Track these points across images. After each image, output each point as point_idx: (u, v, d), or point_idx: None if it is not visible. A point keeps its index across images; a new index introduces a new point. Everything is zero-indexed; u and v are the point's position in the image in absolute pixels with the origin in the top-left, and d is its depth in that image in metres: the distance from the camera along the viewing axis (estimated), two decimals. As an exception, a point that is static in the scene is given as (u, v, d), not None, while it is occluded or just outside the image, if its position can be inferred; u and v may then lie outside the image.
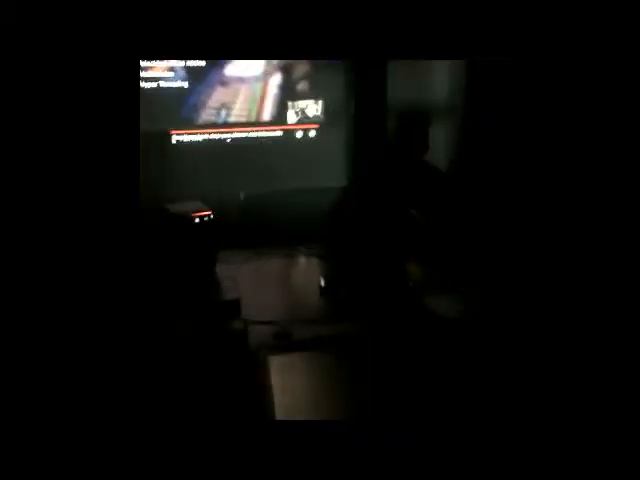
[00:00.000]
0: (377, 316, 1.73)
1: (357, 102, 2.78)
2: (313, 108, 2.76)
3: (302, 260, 2.45)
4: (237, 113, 2.65)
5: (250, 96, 2.65)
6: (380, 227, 2.17)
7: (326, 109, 2.80)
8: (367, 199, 2.32)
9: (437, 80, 2.90)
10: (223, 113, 2.63)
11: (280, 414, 1.17)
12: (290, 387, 1.27)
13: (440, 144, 2.80)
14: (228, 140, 2.65)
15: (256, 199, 2.71)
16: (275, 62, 2.64)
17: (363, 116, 2.77)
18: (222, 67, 2.58)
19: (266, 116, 2.71)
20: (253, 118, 2.69)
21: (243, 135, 2.66)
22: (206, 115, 2.61)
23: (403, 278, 1.90)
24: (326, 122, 2.81)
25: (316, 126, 2.79)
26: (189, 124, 2.59)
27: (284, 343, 1.56)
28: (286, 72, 2.70)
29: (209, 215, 2.08)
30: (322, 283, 2.04)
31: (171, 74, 2.50)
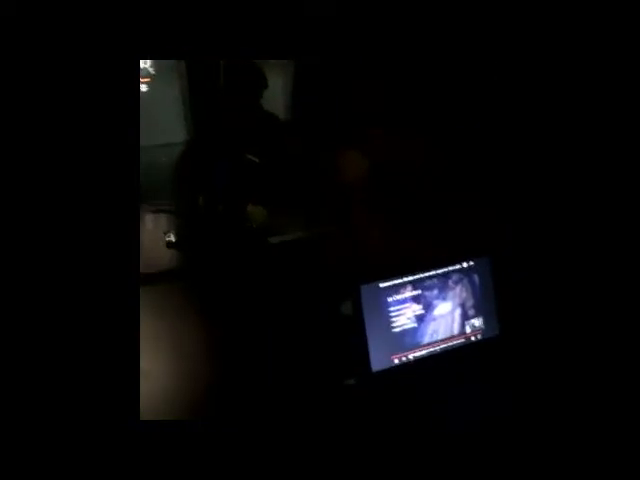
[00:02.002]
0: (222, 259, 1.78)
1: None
2: (141, 61, 2.66)
3: (147, 217, 2.41)
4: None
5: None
6: (221, 175, 2.19)
7: (156, 61, 2.71)
8: (206, 151, 2.32)
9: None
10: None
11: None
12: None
13: (277, 90, 2.85)
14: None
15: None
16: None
17: (195, 66, 2.73)
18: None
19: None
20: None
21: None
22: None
23: (246, 221, 1.96)
24: (158, 75, 2.73)
25: (147, 80, 2.70)
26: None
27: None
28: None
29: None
30: (168, 237, 2.03)
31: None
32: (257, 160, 2.23)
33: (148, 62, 2.67)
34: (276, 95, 2.77)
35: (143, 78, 2.67)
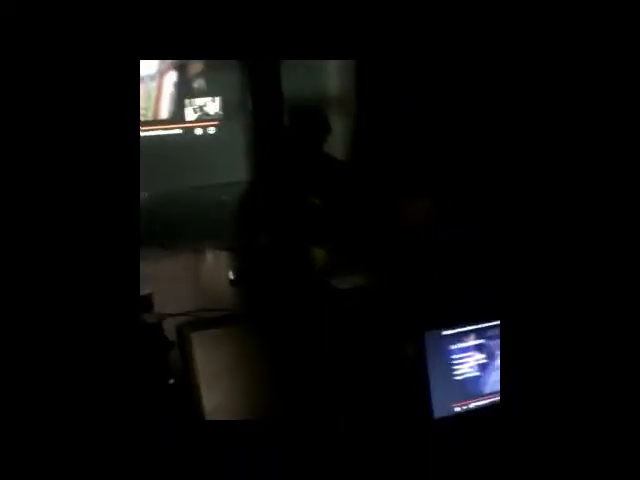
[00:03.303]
0: (286, 299, 1.83)
1: (254, 98, 2.85)
2: (212, 105, 2.81)
3: (210, 254, 2.50)
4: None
5: (145, 95, 2.65)
6: (283, 216, 2.26)
7: (224, 106, 2.85)
8: (269, 191, 2.41)
9: (330, 72, 3.02)
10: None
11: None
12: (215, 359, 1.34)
13: (337, 135, 2.94)
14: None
15: (161, 198, 2.72)
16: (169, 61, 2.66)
17: (261, 111, 2.85)
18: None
19: (164, 114, 2.72)
20: (150, 117, 2.69)
21: (142, 134, 2.66)
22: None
23: (309, 263, 2.01)
24: (225, 118, 2.87)
25: (216, 123, 2.84)
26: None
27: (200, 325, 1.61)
28: (181, 70, 2.73)
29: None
30: (231, 275, 2.10)
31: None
32: (318, 202, 2.30)
33: (218, 106, 2.81)
34: (337, 139, 2.86)
35: (212, 121, 2.82)
